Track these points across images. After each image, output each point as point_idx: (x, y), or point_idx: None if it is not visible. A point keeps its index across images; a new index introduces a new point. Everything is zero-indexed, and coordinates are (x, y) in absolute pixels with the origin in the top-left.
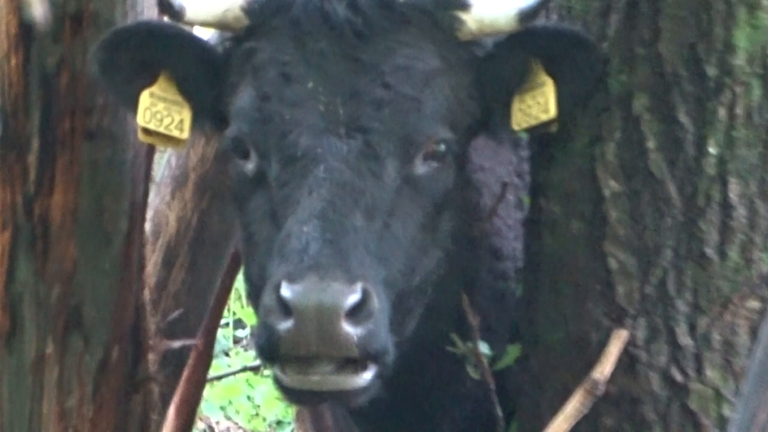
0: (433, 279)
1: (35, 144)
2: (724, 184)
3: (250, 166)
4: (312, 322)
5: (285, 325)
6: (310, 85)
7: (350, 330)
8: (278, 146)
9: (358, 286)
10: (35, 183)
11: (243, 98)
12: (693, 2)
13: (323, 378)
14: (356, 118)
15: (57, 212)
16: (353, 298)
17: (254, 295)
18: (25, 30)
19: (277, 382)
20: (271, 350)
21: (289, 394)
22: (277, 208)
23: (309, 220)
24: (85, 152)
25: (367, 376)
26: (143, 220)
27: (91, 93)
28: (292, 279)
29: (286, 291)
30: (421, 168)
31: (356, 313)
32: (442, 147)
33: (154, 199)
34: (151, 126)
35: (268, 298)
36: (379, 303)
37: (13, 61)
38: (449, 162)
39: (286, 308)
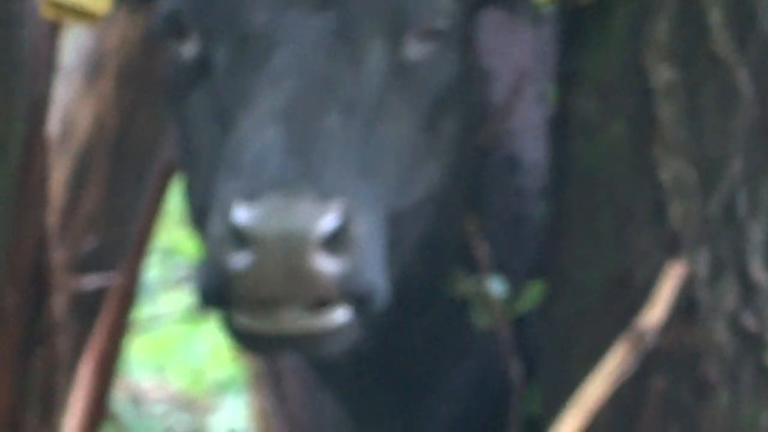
0: (431, 197)
1: None
2: None
3: (189, 50)
4: (275, 256)
5: (240, 259)
6: None
7: (325, 264)
8: (227, 23)
9: (335, 206)
10: None
11: None
12: None
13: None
14: None
15: None
16: (329, 221)
17: (196, 222)
18: None
19: (226, 325)
20: (220, 293)
21: (243, 339)
22: (226, 105)
23: (268, 121)
24: None
25: (341, 315)
26: (46, 121)
27: None
28: (247, 200)
29: (240, 215)
30: (415, 51)
31: (334, 241)
32: (442, 22)
33: (60, 94)
34: None
35: (215, 226)
36: (365, 227)
37: None
38: (452, 43)
39: (240, 238)
